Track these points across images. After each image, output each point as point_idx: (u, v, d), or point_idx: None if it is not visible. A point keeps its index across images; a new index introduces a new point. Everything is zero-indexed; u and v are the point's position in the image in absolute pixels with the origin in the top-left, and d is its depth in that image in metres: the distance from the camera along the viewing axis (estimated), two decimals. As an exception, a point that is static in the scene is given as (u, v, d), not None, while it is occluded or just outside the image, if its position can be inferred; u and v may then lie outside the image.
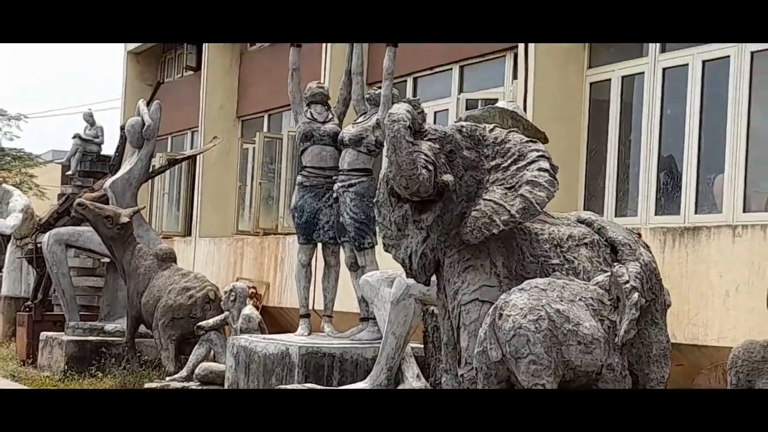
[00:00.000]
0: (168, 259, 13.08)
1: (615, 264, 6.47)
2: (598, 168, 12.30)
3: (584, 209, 10.95)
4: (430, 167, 6.34)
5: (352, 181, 10.09)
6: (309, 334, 10.57)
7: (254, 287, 15.20)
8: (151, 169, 15.31)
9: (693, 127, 11.24)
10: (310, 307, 11.10)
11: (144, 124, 14.35)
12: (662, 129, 11.64)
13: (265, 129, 17.61)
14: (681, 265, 10.82)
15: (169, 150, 20.62)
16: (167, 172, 18.28)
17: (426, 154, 6.34)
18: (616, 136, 12.16)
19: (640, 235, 7.02)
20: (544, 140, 8.43)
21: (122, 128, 15.44)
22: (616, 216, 11.79)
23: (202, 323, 11.95)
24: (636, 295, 6.21)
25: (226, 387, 10.52)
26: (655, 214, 11.50)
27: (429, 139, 6.42)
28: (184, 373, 11.72)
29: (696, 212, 11.11)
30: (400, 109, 6.41)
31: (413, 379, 7.80)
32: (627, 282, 6.24)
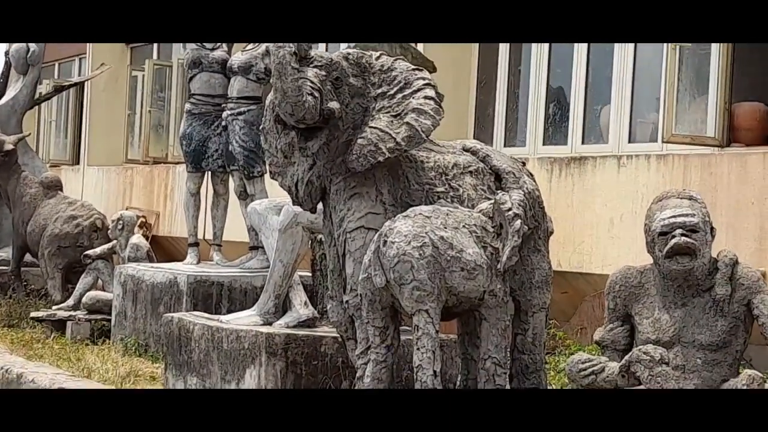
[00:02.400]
0: (54, 187, 12.95)
1: (499, 192, 6.54)
2: (488, 98, 12.41)
3: (474, 139, 11.05)
4: (316, 94, 6.33)
5: (242, 109, 10.06)
6: (198, 262, 10.57)
7: (144, 216, 15.05)
8: (36, 96, 15.05)
9: (581, 60, 11.39)
10: (200, 236, 11.09)
11: (29, 49, 14.08)
12: (551, 61, 11.77)
13: (154, 56, 17.37)
14: (567, 194, 11.00)
15: (56, 77, 20.24)
16: (54, 99, 17.98)
17: (312, 81, 6.33)
18: (505, 67, 12.27)
19: (524, 163, 7.09)
20: (432, 69, 8.47)
21: (6, 54, 15.11)
22: (504, 146, 11.92)
23: (89, 252, 11.88)
24: (519, 222, 6.29)
25: (113, 316, 10.49)
26: (543, 144, 11.66)
27: (315, 66, 6.40)
28: (71, 302, 11.63)
29: (583, 142, 11.29)
30: None
31: (301, 307, 7.84)
32: (510, 209, 6.31)
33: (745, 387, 4.55)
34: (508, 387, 6.55)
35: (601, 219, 10.42)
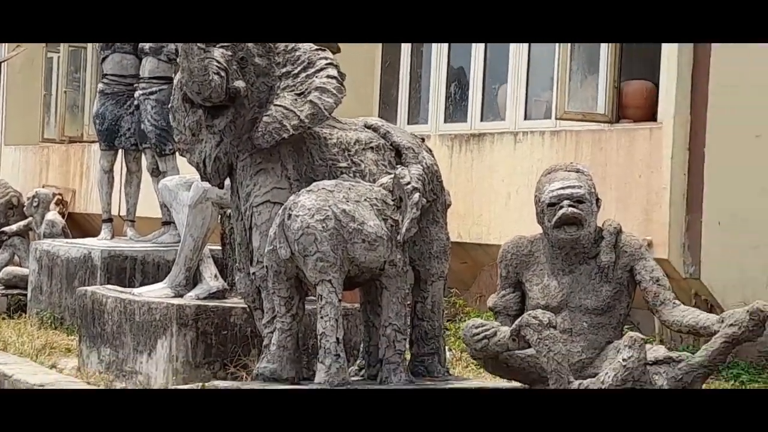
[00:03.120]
0: (-30, 165, 12.78)
1: (399, 166, 6.58)
2: (392, 79, 12.45)
3: (379, 117, 11.08)
4: (222, 73, 6.31)
5: (153, 89, 9.98)
6: (111, 238, 10.49)
7: (60, 194, 14.95)
8: (-47, 77, 14.80)
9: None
10: (114, 213, 11.00)
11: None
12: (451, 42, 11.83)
13: (69, 38, 17.13)
14: (467, 169, 11.11)
15: (-28, 58, 19.88)
16: (-30, 80, 17.66)
17: (218, 61, 6.31)
18: (408, 49, 12.32)
19: (423, 139, 7.15)
20: (336, 50, 8.46)
21: None
22: (408, 123, 11.99)
23: (5, 228, 11.78)
24: (417, 195, 6.33)
25: (29, 290, 10.38)
26: (444, 122, 11.74)
27: (221, 46, 6.38)
28: (-12, 277, 11.50)
29: (481, 120, 11.39)
30: None
31: (211, 279, 7.81)
32: (409, 183, 6.36)
33: (626, 347, 4.62)
34: (408, 353, 6.63)
35: (498, 192, 10.55)
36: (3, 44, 17.91)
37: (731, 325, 4.67)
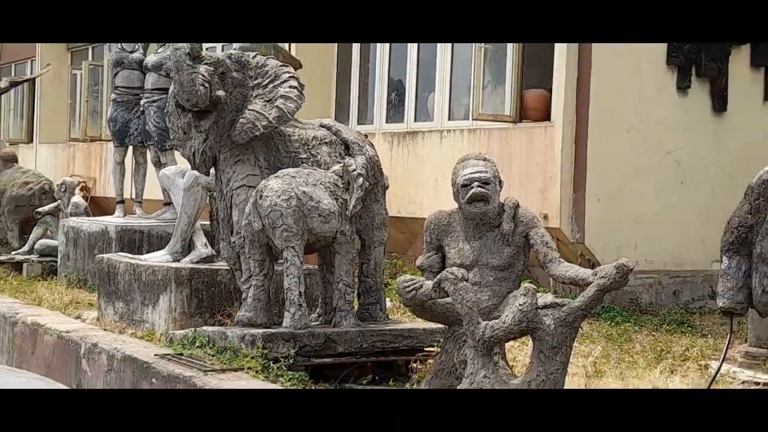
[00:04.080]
0: (10, 160, 12.63)
1: (347, 157, 6.59)
2: (345, 87, 12.41)
3: (335, 119, 11.07)
4: (206, 85, 6.29)
5: (155, 98, 9.90)
6: (124, 216, 10.42)
7: (83, 181, 14.77)
8: (-1, 90, 14.60)
9: (413, 58, 11.47)
10: (126, 196, 10.91)
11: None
12: (391, 58, 11.82)
13: (90, 58, 16.92)
14: (404, 159, 11.10)
15: (12, 74, 19.55)
16: (11, 91, 17.36)
17: (203, 75, 6.29)
18: (357, 64, 12.28)
19: (367, 136, 7.15)
20: (299, 66, 8.45)
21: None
22: (357, 123, 11.95)
23: (40, 209, 11.66)
24: (361, 179, 6.36)
25: (59, 258, 10.28)
26: (386, 122, 11.72)
27: (205, 63, 6.35)
28: (26, 248, 11.42)
29: (415, 120, 11.38)
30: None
31: (202, 247, 7.77)
32: (355, 170, 6.38)
33: (522, 295, 4.64)
34: (356, 303, 6.65)
35: (428, 178, 10.56)
36: (37, 63, 17.66)
37: (602, 277, 4.70)
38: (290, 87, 6.50)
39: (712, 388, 4.29)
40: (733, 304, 3.93)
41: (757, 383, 6.40)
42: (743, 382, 6.54)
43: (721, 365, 4.10)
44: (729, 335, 4.12)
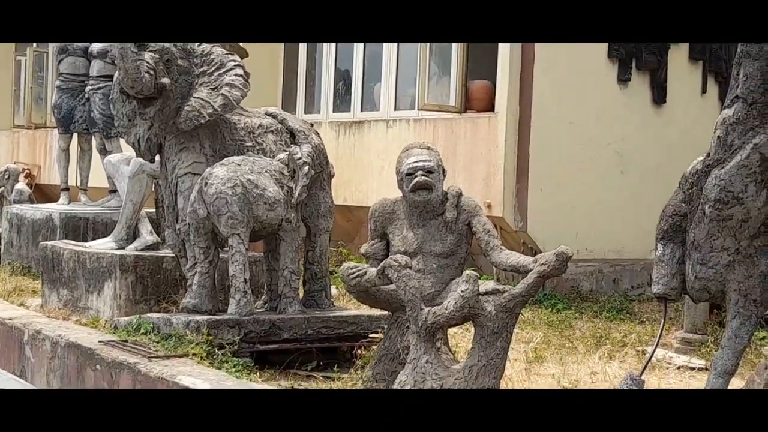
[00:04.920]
0: (-47, 146, 12.37)
1: (293, 145, 6.58)
2: (292, 77, 12.37)
3: (282, 108, 11.04)
4: (151, 72, 6.23)
5: (100, 85, 9.77)
6: (69, 203, 10.29)
7: (28, 169, 14.57)
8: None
9: (359, 49, 11.46)
10: (70, 183, 10.77)
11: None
12: (338, 49, 11.81)
13: (34, 45, 16.62)
14: (351, 148, 11.11)
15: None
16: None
17: (148, 62, 6.22)
18: (305, 55, 12.25)
19: (312, 124, 7.14)
20: (245, 55, 8.39)
21: None
22: (305, 112, 11.94)
23: (-18, 197, 11.44)
24: (307, 168, 6.35)
25: (2, 245, 10.12)
26: (333, 112, 11.71)
27: (150, 51, 6.28)
28: (-32, 236, 11.15)
29: (361, 110, 11.39)
30: None
31: (147, 234, 7.70)
32: (300, 159, 6.37)
33: (464, 282, 4.67)
34: (301, 290, 6.65)
35: (374, 167, 10.59)
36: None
37: (542, 264, 4.75)
38: (236, 75, 6.46)
39: (646, 371, 4.37)
40: (668, 290, 4.01)
41: (692, 368, 6.54)
42: (679, 367, 6.68)
43: (655, 349, 4.18)
44: (663, 321, 4.20)
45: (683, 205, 4.00)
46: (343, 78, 11.76)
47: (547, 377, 6.08)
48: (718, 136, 3.76)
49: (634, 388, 3.87)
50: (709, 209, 3.77)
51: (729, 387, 3.97)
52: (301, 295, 6.60)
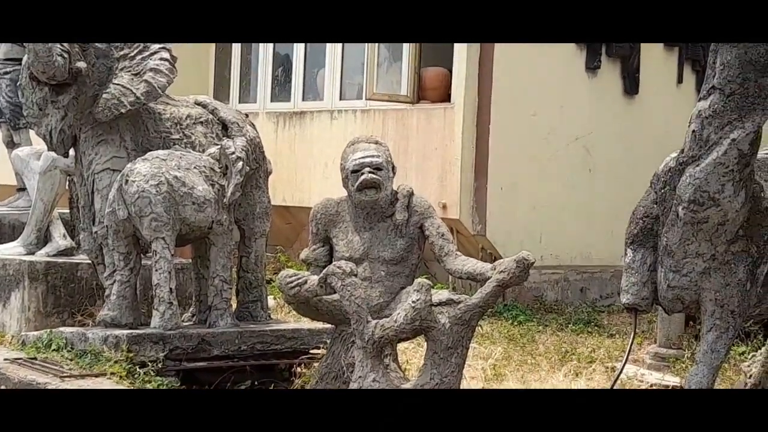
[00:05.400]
0: None
1: (225, 139, 6.55)
2: (225, 62, 12.31)
3: (214, 97, 10.97)
4: (65, 55, 6.16)
5: (8, 69, 9.60)
6: (-30, 203, 10.12)
7: (-76, 164, 14.29)
8: None
9: (301, 30, 11.43)
10: (-26, 180, 10.62)
11: None
12: (277, 31, 11.75)
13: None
14: (291, 142, 11.10)
15: None
16: None
17: (61, 44, 6.16)
18: (239, 36, 12.18)
19: (247, 115, 7.11)
20: (172, 37, 8.33)
21: None
22: (239, 102, 11.89)
23: None
24: (241, 163, 6.33)
25: None
26: (271, 101, 11.68)
27: (64, 31, 6.21)
28: None
29: (303, 100, 11.38)
30: None
31: (60, 238, 7.61)
32: (234, 153, 6.34)
33: (415, 291, 4.69)
34: (234, 301, 6.62)
35: (317, 162, 10.58)
36: None
37: (501, 271, 4.79)
38: (161, 59, 6.41)
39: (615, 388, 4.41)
40: (638, 301, 4.06)
41: (666, 386, 6.63)
42: (651, 385, 6.76)
43: (624, 365, 4.23)
44: (633, 334, 4.25)
45: (655, 206, 4.05)
46: (282, 64, 11.74)
47: (507, 397, 6.11)
48: (693, 131, 3.81)
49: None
50: (683, 211, 3.82)
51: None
52: (234, 306, 6.57)
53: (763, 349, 4.89)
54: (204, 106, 6.78)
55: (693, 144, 3.81)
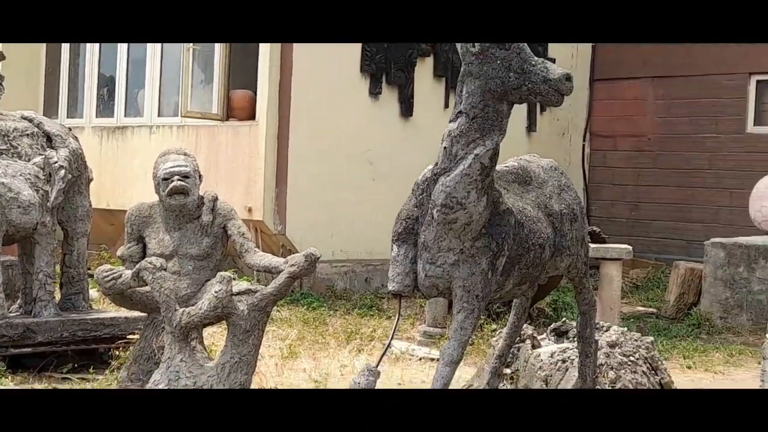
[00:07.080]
0: None
1: (49, 149, 6.31)
2: (54, 81, 11.83)
3: (43, 113, 10.52)
4: None
5: None
6: None
7: None
8: None
9: (123, 55, 11.13)
10: None
11: None
12: (101, 56, 11.41)
13: None
14: (114, 154, 10.78)
15: None
16: None
17: None
18: (67, 60, 11.76)
19: (70, 129, 6.86)
20: (1, 57, 7.94)
21: None
22: (67, 117, 11.45)
23: None
24: (63, 171, 6.12)
25: None
26: (96, 117, 11.32)
27: None
28: None
29: (125, 116, 11.08)
30: None
31: None
32: (57, 162, 6.13)
33: (218, 283, 4.64)
34: (58, 293, 6.37)
35: (137, 172, 10.32)
36: None
37: (292, 265, 4.82)
38: (-11, 78, 6.12)
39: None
40: (402, 288, 4.17)
41: (432, 359, 6.83)
42: (420, 358, 6.96)
43: (390, 341, 4.35)
44: (398, 315, 4.37)
45: (415, 209, 4.19)
46: (107, 83, 11.38)
47: (299, 372, 6.17)
48: (445, 147, 3.96)
49: (371, 378, 4.00)
50: (437, 213, 3.97)
51: (456, 374, 4.19)
52: (58, 298, 6.34)
53: (506, 326, 5.12)
54: (30, 120, 6.51)
55: (444, 158, 3.97)
